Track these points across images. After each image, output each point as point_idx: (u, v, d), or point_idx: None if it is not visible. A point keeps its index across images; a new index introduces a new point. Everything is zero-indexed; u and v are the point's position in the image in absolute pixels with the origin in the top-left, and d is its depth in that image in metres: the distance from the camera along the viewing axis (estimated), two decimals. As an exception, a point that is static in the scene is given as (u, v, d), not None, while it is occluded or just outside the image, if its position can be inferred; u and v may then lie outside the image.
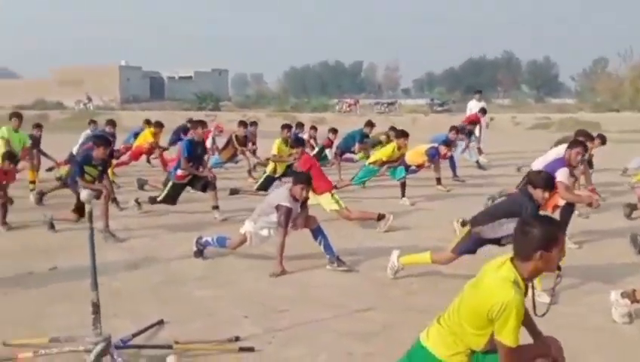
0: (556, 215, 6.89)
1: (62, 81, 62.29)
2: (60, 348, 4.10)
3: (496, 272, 2.91)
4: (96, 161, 7.89)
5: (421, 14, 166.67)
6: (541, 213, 5.37)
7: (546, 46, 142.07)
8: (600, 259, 6.84)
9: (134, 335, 4.46)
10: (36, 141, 12.34)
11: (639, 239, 6.95)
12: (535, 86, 73.52)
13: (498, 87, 71.65)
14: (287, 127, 11.40)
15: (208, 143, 14.08)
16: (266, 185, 10.80)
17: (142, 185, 11.26)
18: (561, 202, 6.98)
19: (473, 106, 16.67)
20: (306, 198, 6.51)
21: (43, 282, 6.03)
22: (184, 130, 15.17)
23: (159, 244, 7.56)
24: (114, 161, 11.71)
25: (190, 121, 16.17)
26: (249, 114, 37.31)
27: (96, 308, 4.03)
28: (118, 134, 13.10)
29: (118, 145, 13.08)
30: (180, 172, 8.95)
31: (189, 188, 9.19)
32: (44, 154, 12.63)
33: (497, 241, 5.56)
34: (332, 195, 8.09)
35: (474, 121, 14.86)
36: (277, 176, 10.88)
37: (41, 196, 10.03)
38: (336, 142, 13.17)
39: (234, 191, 10.86)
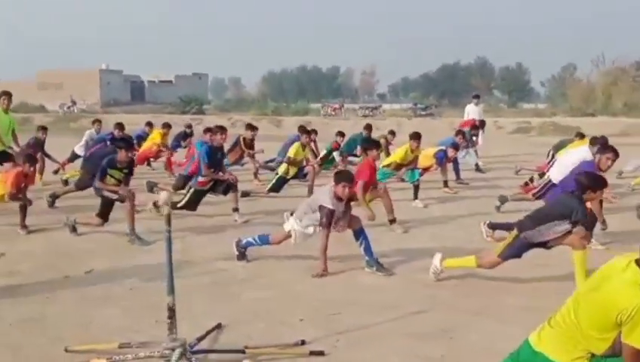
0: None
1: (42, 85, 61.33)
2: (134, 353, 3.92)
3: (622, 275, 2.83)
4: (121, 164, 7.69)
5: (397, 20, 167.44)
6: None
7: (518, 52, 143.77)
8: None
9: (199, 340, 4.31)
10: (41, 144, 12.05)
11: None
12: (507, 91, 74.30)
13: (472, 92, 72.34)
14: (306, 132, 11.26)
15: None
16: (277, 187, 10.68)
17: (151, 187, 11.03)
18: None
19: (471, 110, 16.72)
20: (350, 198, 6.41)
21: (82, 285, 5.82)
22: (184, 136, 14.96)
23: (189, 247, 7.37)
24: None
25: (189, 126, 16.02)
26: (234, 117, 37.19)
27: (171, 312, 3.88)
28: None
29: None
30: (201, 179, 8.77)
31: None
32: (49, 157, 12.34)
33: (544, 245, 5.52)
34: None
35: (474, 126, 14.88)
36: (289, 177, 10.77)
37: (53, 199, 9.75)
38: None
39: (244, 194, 10.69)
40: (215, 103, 64.62)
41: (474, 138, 14.40)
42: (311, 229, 6.34)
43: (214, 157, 8.80)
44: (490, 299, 5.43)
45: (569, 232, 5.33)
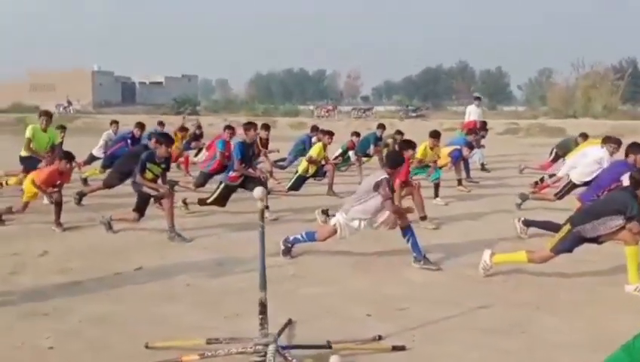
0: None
1: (35, 85, 60.51)
2: (226, 349, 3.80)
3: None
4: (159, 160, 7.56)
5: (381, 24, 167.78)
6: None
7: (497, 56, 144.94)
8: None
9: (277, 335, 4.20)
10: (60, 143, 11.81)
11: None
12: (488, 94, 74.81)
13: (453, 95, 72.76)
14: (328, 133, 11.17)
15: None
16: (297, 185, 10.59)
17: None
18: None
19: (472, 111, 16.70)
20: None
21: (138, 282, 5.67)
22: (195, 137, 14.74)
23: (228, 243, 7.25)
24: None
25: (198, 126, 15.81)
26: (229, 118, 36.93)
27: (263, 307, 3.76)
28: (96, 138, 12.66)
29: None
30: (232, 173, 8.65)
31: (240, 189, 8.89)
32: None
33: (595, 240, 5.50)
34: None
35: (477, 128, 14.91)
36: (308, 176, 10.68)
37: (80, 197, 9.55)
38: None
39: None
40: (204, 104, 64.25)
41: (482, 138, 14.41)
42: (356, 223, 6.26)
43: (247, 153, 8.68)
44: (543, 294, 5.38)
45: (622, 227, 5.31)
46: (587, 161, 8.95)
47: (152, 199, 7.83)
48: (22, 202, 8.06)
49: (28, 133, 10.12)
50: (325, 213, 8.21)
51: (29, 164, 10.22)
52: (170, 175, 11.88)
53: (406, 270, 6.11)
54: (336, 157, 12.18)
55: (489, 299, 5.22)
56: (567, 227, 5.48)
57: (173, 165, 13.91)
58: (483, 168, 14.48)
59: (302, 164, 10.76)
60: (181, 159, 13.43)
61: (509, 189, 11.58)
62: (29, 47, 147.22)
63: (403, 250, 6.60)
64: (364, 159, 13.23)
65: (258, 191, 3.69)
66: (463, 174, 12.08)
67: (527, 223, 7.33)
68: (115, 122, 14.01)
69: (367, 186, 6.23)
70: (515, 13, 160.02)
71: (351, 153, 12.37)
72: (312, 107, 46.36)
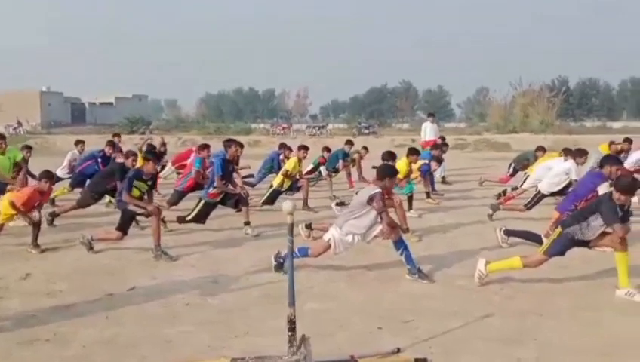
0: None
1: (-21, 107, 58.09)
2: (254, 369, 3.60)
3: None
4: (147, 176, 7.27)
5: (329, 45, 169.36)
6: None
7: (437, 76, 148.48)
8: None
9: (296, 351, 4.02)
10: (24, 163, 11.25)
11: None
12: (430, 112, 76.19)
13: (398, 113, 73.85)
14: (303, 148, 11.04)
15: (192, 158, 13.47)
16: (272, 199, 10.42)
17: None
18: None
19: (428, 127, 16.87)
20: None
21: (134, 303, 5.37)
22: (160, 155, 14.30)
23: (215, 261, 6.99)
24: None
25: (163, 144, 15.38)
26: (185, 137, 36.32)
27: (292, 324, 3.59)
28: (50, 158, 12.06)
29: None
30: (212, 190, 8.41)
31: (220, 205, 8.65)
32: (33, 176, 11.52)
33: (586, 243, 5.56)
34: None
35: (437, 145, 15.03)
36: (283, 190, 10.51)
37: (53, 218, 9.09)
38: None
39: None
40: (156, 124, 63.07)
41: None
42: (350, 237, 6.15)
43: (227, 169, 8.46)
44: (540, 301, 5.38)
45: (609, 233, 5.38)
46: (554, 173, 9.14)
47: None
48: (-4, 224, 7.59)
49: None
50: (309, 227, 8.06)
51: None
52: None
53: (401, 282, 6.02)
54: (309, 173, 12.05)
55: (490, 308, 5.17)
56: (559, 230, 5.52)
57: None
58: (444, 181, 14.64)
59: (277, 178, 10.60)
60: None
61: (474, 201, 11.75)
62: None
63: (391, 263, 6.55)
64: (332, 174, 13.17)
65: (287, 205, 3.53)
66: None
67: (508, 233, 7.38)
68: (80, 142, 13.48)
69: (360, 201, 6.13)
70: (455, 34, 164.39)
71: (322, 168, 12.27)
72: (267, 126, 46.13)
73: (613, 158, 7.21)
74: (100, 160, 10.93)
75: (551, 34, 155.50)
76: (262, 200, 10.39)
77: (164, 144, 15.50)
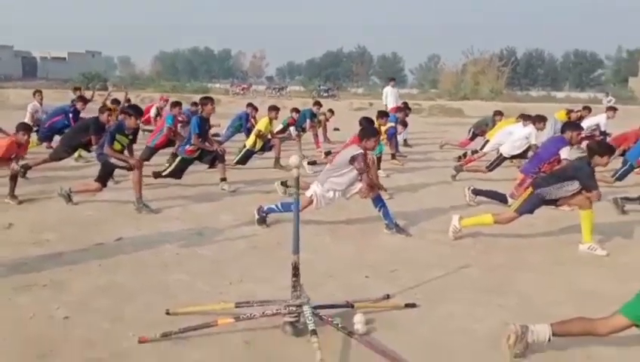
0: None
1: None
2: (261, 311, 3.70)
3: None
4: (128, 131, 7.15)
5: (286, 6, 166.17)
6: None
7: (391, 42, 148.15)
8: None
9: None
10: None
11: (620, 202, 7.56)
12: (384, 78, 76.39)
13: (353, 77, 73.71)
14: (275, 108, 10.99)
15: (152, 113, 13.25)
16: (245, 159, 10.42)
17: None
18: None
19: (389, 92, 17.01)
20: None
21: (125, 253, 5.35)
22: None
23: (196, 214, 6.99)
24: None
25: (128, 100, 15.04)
26: (143, 94, 35.41)
27: (296, 270, 3.69)
28: (5, 112, 11.65)
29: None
30: (189, 147, 8.34)
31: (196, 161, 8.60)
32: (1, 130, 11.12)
33: (554, 202, 5.83)
34: None
35: (402, 108, 15.20)
36: (256, 150, 10.51)
37: (25, 170, 8.83)
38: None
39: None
40: (110, 81, 61.09)
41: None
42: (331, 194, 6.26)
43: (204, 127, 8.40)
44: (512, 256, 5.64)
45: (578, 193, 5.66)
46: (514, 138, 9.46)
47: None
48: (-29, 175, 7.37)
49: None
50: (284, 184, 8.12)
51: None
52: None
53: (380, 236, 6.20)
54: (279, 132, 12.04)
55: (467, 260, 5.41)
56: (530, 190, 5.76)
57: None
58: (406, 144, 14.88)
59: (250, 139, 10.56)
60: None
61: (436, 163, 12.05)
62: None
63: (368, 218, 6.72)
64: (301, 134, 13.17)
65: (293, 159, 3.58)
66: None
67: (476, 192, 7.65)
68: (38, 91, 13.13)
69: (343, 160, 6.22)
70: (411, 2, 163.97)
71: (292, 129, 12.27)
72: (224, 85, 45.33)
73: (575, 124, 7.52)
74: (70, 115, 10.61)
75: (502, 5, 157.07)
76: (235, 160, 10.36)
77: (128, 100, 15.19)
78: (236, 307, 3.85)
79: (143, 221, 6.57)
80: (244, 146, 10.52)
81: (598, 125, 12.19)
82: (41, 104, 12.71)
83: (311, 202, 6.27)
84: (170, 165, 8.54)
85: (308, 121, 12.92)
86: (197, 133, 8.28)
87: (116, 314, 3.98)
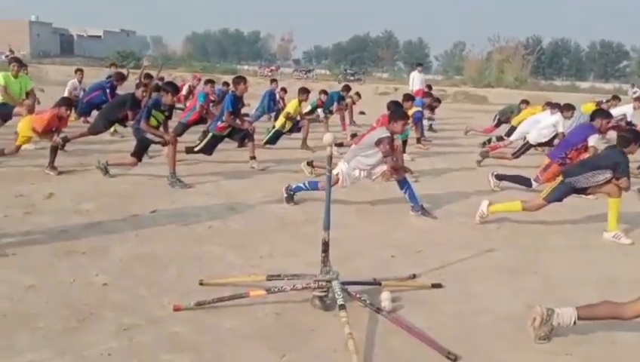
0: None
1: (-31, 33, 55.76)
2: (291, 284, 3.71)
3: None
4: (164, 107, 7.20)
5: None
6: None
7: (418, 27, 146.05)
8: None
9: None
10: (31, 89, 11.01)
11: None
12: (410, 63, 75.67)
13: (379, 62, 73.14)
14: (305, 91, 10.94)
15: (183, 92, 13.27)
16: (274, 139, 10.42)
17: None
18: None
19: (416, 77, 16.85)
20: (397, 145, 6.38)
21: (160, 224, 5.41)
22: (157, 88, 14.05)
23: (227, 190, 7.04)
24: None
25: (161, 78, 15.10)
26: (175, 73, 35.58)
27: (325, 246, 3.68)
28: (45, 87, 11.74)
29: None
30: (221, 124, 8.37)
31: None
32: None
33: (584, 191, 5.72)
34: None
35: (429, 93, 15.05)
36: (285, 131, 10.50)
37: (64, 142, 8.95)
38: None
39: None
40: (145, 57, 61.52)
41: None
42: (357, 172, 6.24)
43: (237, 105, 8.41)
44: (537, 240, 5.58)
45: (608, 181, 5.55)
46: (542, 125, 9.30)
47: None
48: (15, 145, 7.49)
49: (0, 80, 9.68)
50: (310, 164, 8.11)
51: (4, 109, 9.73)
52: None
53: (406, 218, 6.17)
54: (307, 113, 12.00)
55: (491, 243, 5.35)
56: (560, 178, 5.67)
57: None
58: (431, 128, 14.74)
59: (279, 120, 10.56)
60: None
61: (461, 148, 11.91)
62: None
63: (393, 199, 6.69)
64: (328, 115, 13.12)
65: (327, 136, 3.56)
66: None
67: (500, 177, 7.55)
68: (79, 70, 13.23)
69: (369, 141, 6.19)
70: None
71: (320, 110, 12.22)
72: (253, 67, 45.36)
73: (605, 112, 7.33)
74: (108, 90, 10.72)
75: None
76: (264, 141, 10.36)
77: (162, 78, 15.26)
78: (267, 280, 3.87)
79: (176, 195, 6.63)
80: (274, 127, 10.52)
81: (624, 115, 11.90)
82: (80, 82, 12.84)
83: (337, 180, 6.25)
84: (201, 141, 8.57)
85: (335, 103, 12.87)
86: (230, 111, 8.29)
87: (152, 282, 4.03)
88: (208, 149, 8.47)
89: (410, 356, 3.19)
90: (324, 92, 12.56)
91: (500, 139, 11.70)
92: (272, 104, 13.26)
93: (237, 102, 8.41)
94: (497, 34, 44.51)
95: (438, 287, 4.15)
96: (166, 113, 7.27)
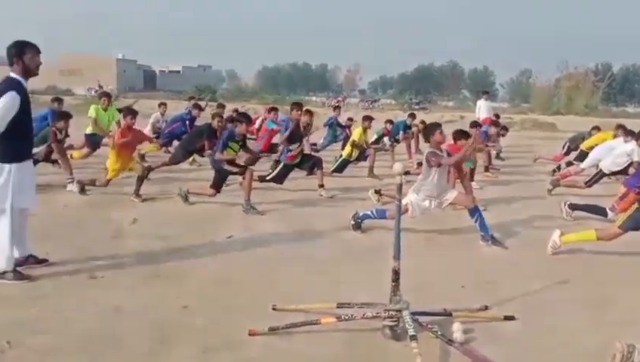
0: None
1: (63, 71, 59.69)
2: (362, 313, 3.68)
3: None
4: (239, 137, 7.41)
5: (381, 23, 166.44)
6: None
7: (482, 56, 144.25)
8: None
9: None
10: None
11: None
12: (475, 91, 74.46)
13: (444, 91, 72.43)
14: (368, 118, 11.01)
15: (256, 125, 13.56)
16: (341, 168, 10.47)
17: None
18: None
19: (482, 105, 16.57)
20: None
21: (237, 249, 5.55)
22: (232, 120, 14.47)
23: (296, 217, 7.10)
24: None
25: (236, 110, 15.57)
26: (247, 105, 36.58)
27: (396, 275, 3.63)
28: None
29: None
30: (290, 154, 8.50)
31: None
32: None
33: None
34: None
35: (496, 122, 14.71)
36: (352, 159, 10.54)
37: (148, 171, 9.36)
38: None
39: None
40: (219, 93, 63.74)
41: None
42: (427, 202, 6.15)
43: (291, 128, 8.46)
44: (614, 270, 5.30)
45: None
46: (616, 153, 8.87)
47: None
48: (105, 178, 7.91)
49: (92, 113, 10.43)
50: (378, 192, 8.08)
51: (93, 140, 10.36)
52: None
53: (476, 247, 6.00)
54: (374, 143, 12.01)
55: (566, 274, 5.10)
56: (636, 205, 5.37)
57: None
58: (498, 156, 14.36)
59: (346, 149, 10.62)
60: None
61: (530, 176, 11.54)
62: (53, 31, 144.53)
63: (462, 229, 6.55)
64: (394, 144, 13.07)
65: (397, 166, 3.54)
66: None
67: (573, 207, 7.24)
68: (163, 104, 13.82)
69: (425, 165, 6.13)
70: (503, 15, 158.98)
71: (385, 139, 12.20)
72: (321, 98, 46.02)
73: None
74: (187, 122, 11.16)
75: (595, 19, 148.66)
76: (332, 169, 10.42)
77: (236, 110, 15.71)
78: (337, 307, 3.85)
79: (250, 221, 6.76)
80: (341, 155, 10.58)
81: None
82: (163, 114, 13.43)
83: (406, 210, 6.17)
84: (273, 170, 8.73)
85: (401, 132, 12.82)
86: (286, 136, 8.39)
87: (228, 305, 4.10)
88: (280, 178, 8.59)
89: (483, 389, 3.07)
90: (389, 121, 12.54)
91: (569, 164, 11.28)
92: (337, 131, 13.29)
93: (292, 125, 8.47)
94: (565, 60, 43.18)
95: (510, 319, 3.99)
96: (240, 143, 7.46)
